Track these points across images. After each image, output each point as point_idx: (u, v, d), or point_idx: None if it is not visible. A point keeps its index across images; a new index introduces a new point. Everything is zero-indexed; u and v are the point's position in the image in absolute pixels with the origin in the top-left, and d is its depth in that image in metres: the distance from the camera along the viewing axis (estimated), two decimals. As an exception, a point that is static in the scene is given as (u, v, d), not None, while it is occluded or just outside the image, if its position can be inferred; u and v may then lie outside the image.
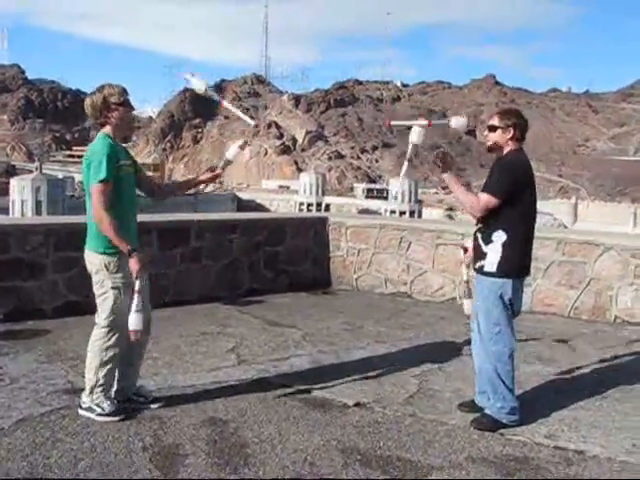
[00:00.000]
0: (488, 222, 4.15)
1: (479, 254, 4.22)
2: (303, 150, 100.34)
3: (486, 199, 4.08)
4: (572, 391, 4.82)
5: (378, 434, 3.95)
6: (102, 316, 4.02)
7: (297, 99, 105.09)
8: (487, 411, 4.19)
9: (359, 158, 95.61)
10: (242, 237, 7.93)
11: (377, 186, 78.84)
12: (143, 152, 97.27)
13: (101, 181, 3.86)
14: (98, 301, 4.05)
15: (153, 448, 3.68)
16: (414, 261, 7.95)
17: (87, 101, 4.03)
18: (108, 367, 4.06)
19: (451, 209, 55.75)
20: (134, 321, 3.92)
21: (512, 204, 4.06)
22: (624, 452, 3.81)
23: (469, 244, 4.48)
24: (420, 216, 50.88)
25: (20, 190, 48.76)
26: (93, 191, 3.90)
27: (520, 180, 4.10)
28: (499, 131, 4.17)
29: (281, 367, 5.24)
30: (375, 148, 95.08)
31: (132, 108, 4.15)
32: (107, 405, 4.07)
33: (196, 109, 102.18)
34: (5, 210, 46.06)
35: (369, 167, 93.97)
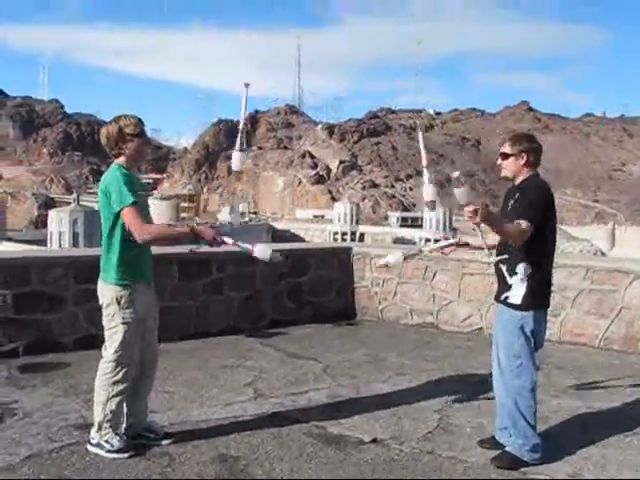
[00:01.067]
0: (512, 252, 3.98)
1: (503, 285, 4.06)
2: (337, 179, 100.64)
3: (527, 227, 3.78)
4: (601, 427, 4.60)
5: (393, 472, 3.80)
6: (110, 350, 3.96)
7: (331, 129, 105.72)
8: (508, 448, 4.01)
9: (393, 187, 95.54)
10: (265, 268, 7.85)
11: (411, 214, 78.62)
12: (178, 183, 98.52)
13: (130, 205, 3.83)
14: (107, 334, 3.99)
15: (160, 487, 3.59)
16: (439, 291, 7.79)
17: (102, 132, 4.02)
18: (116, 402, 3.98)
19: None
20: (262, 251, 3.92)
21: (539, 232, 3.86)
22: (654, 494, 3.60)
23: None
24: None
25: (58, 222, 49.67)
26: (125, 217, 3.85)
27: (546, 209, 3.93)
28: (512, 158, 4.03)
29: (298, 401, 5.12)
30: (409, 177, 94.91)
31: (148, 139, 4.13)
32: (116, 441, 3.99)
33: (230, 140, 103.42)
34: (44, 242, 46.92)
35: (403, 196, 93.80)
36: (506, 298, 4.00)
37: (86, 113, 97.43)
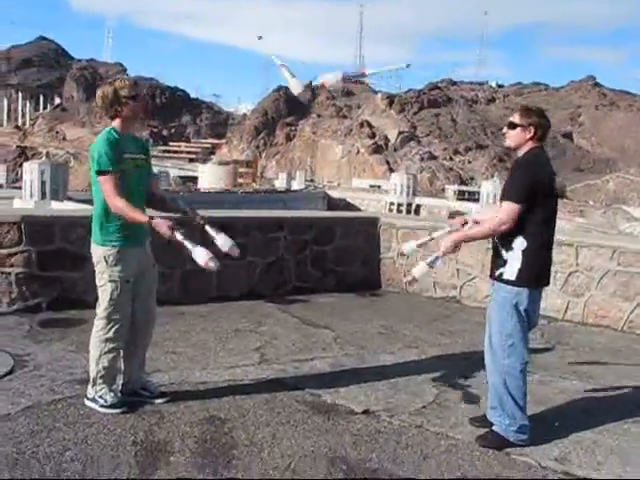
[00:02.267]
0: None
1: (499, 261, 3.98)
2: (395, 150, 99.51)
3: (509, 208, 3.81)
4: (601, 411, 4.49)
5: (375, 444, 3.79)
6: (101, 307, 4.06)
7: (390, 99, 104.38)
8: (495, 428, 3.95)
9: (451, 159, 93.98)
10: (289, 235, 7.87)
11: (469, 188, 77.33)
12: (237, 149, 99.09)
13: (103, 172, 3.89)
14: (99, 292, 4.08)
15: (143, 444, 3.67)
16: (464, 265, 7.67)
17: (98, 93, 4.06)
18: (109, 358, 4.08)
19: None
20: (200, 254, 3.81)
21: (532, 208, 3.80)
22: (638, 482, 3.50)
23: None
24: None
25: (117, 184, 50.45)
26: (100, 182, 3.93)
27: (539, 182, 3.83)
28: (518, 129, 3.92)
29: (301, 368, 5.15)
30: (468, 150, 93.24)
31: (143, 101, 4.14)
32: (110, 397, 4.10)
33: (290, 107, 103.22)
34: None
35: (461, 169, 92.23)
36: (501, 274, 3.93)
37: (147, 77, 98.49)
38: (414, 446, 3.79)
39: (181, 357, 5.28)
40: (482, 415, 4.15)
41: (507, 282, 3.89)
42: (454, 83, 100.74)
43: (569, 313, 7.04)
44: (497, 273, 3.96)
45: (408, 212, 52.70)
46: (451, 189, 78.31)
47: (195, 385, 4.64)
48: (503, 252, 3.93)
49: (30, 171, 30.61)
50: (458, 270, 7.79)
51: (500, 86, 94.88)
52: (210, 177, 73.71)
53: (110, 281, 3.99)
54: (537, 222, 3.84)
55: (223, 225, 7.35)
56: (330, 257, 8.19)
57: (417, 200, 63.33)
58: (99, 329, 4.06)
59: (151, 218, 3.85)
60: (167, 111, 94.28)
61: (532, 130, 3.91)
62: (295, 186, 74.38)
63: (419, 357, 5.61)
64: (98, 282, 4.06)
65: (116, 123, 4.02)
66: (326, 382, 4.83)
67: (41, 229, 6.48)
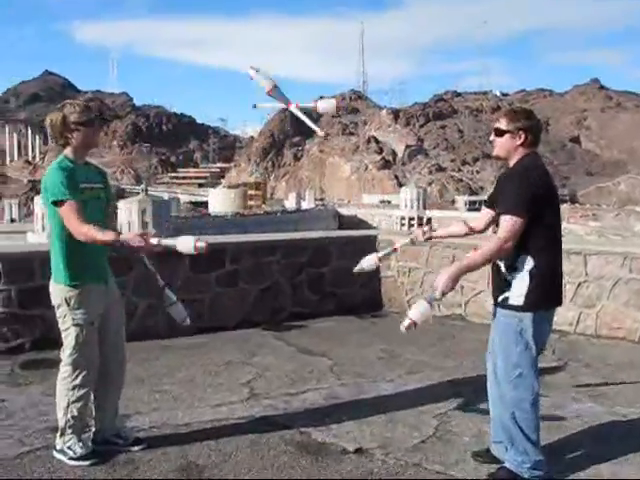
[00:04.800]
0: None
1: (501, 283, 3.52)
2: (403, 164, 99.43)
3: (510, 223, 3.34)
4: (620, 437, 4.10)
5: (366, 489, 3.43)
6: (66, 352, 3.73)
7: (396, 113, 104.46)
8: (506, 464, 3.54)
9: (460, 170, 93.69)
10: (283, 259, 7.54)
11: (479, 198, 77.03)
12: (245, 172, 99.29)
13: (60, 201, 3.57)
14: (62, 336, 3.76)
15: (111, 500, 3.33)
16: (468, 281, 7.29)
17: (47, 120, 3.74)
18: (77, 407, 3.75)
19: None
20: (185, 242, 3.54)
21: (536, 221, 3.36)
22: (662, 521, 3.11)
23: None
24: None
25: (127, 212, 50.69)
26: (61, 213, 3.61)
27: (541, 191, 3.41)
28: (507, 136, 3.51)
29: (292, 403, 4.79)
30: (476, 160, 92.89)
31: (95, 127, 3.79)
32: (79, 448, 3.76)
33: (296, 127, 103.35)
34: (114, 232, 47.90)
35: (471, 179, 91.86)
36: (506, 299, 3.48)
37: (154, 105, 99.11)
38: (410, 489, 3.43)
39: (165, 396, 4.94)
40: (486, 449, 3.77)
41: (513, 308, 3.46)
42: (458, 94, 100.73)
43: (581, 326, 6.65)
44: (501, 298, 3.52)
45: (420, 225, 52.41)
46: (461, 200, 78.14)
47: (176, 427, 4.30)
48: (506, 274, 3.48)
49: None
50: (462, 286, 7.42)
51: (504, 94, 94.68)
52: (220, 201, 73.82)
53: (74, 325, 3.66)
54: (542, 236, 3.41)
55: (213, 250, 7.13)
56: (328, 279, 7.84)
57: (428, 213, 63.06)
58: (66, 376, 3.73)
59: (118, 235, 3.52)
60: (174, 137, 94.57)
61: (522, 135, 3.49)
62: (305, 205, 74.27)
63: (421, 384, 5.24)
64: (61, 325, 3.73)
65: (68, 151, 3.71)
66: (318, 418, 4.46)
67: (20, 266, 6.19)
